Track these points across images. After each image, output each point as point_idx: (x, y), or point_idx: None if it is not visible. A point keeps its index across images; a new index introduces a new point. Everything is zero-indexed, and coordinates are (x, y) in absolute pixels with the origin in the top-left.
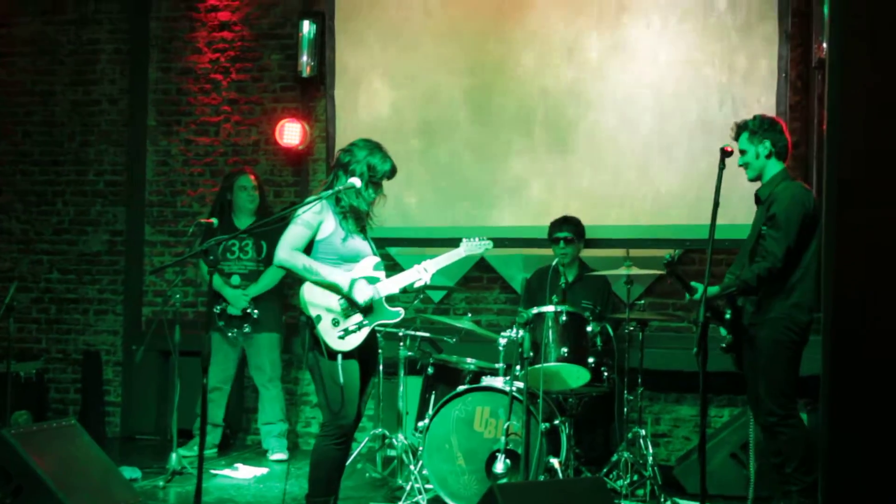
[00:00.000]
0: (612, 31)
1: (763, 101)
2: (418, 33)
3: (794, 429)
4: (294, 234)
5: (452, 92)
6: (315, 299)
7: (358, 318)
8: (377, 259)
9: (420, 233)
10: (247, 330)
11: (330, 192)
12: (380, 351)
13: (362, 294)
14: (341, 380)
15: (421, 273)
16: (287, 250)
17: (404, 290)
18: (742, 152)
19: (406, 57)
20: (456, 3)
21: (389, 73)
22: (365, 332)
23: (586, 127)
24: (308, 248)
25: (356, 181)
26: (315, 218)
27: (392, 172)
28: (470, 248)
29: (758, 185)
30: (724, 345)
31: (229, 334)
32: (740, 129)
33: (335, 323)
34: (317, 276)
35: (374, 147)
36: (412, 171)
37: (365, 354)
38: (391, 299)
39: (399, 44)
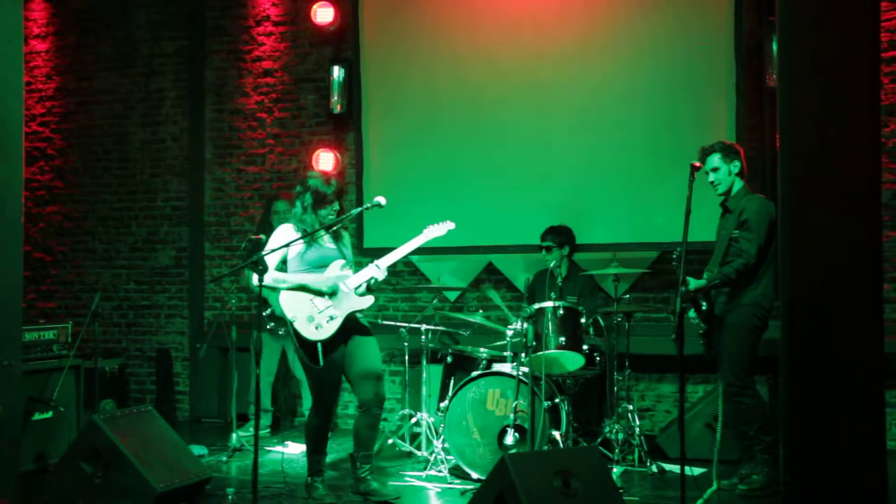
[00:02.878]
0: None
1: (726, 124)
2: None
3: (750, 398)
4: (270, 259)
5: (457, 129)
6: (288, 304)
7: (329, 311)
8: (343, 261)
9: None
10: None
11: (358, 209)
12: (370, 330)
13: (323, 284)
14: (321, 363)
15: (374, 270)
16: (267, 274)
17: (369, 287)
18: (714, 170)
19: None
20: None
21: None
22: (338, 321)
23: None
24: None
25: (381, 199)
26: (279, 242)
27: (337, 194)
28: (431, 231)
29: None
30: (700, 331)
31: (280, 332)
32: (710, 151)
33: (310, 319)
34: (292, 284)
35: (320, 175)
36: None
37: (348, 341)
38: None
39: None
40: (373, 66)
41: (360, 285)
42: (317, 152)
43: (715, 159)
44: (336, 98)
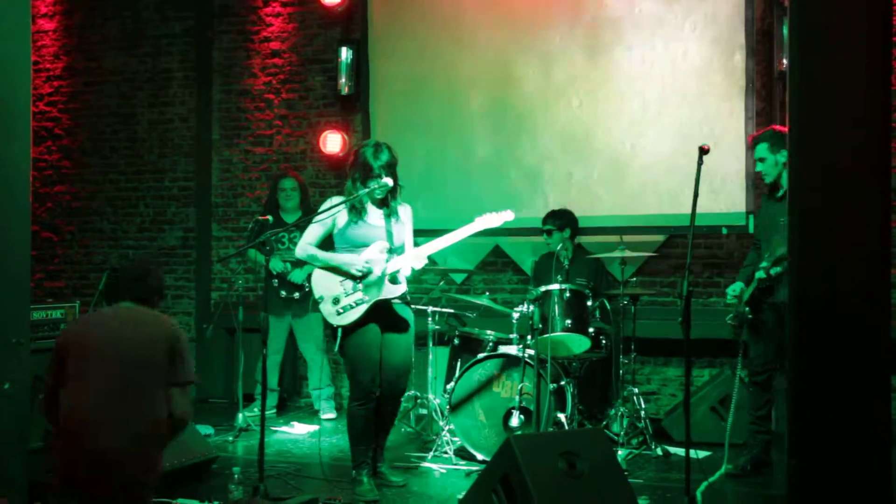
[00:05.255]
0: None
1: (734, 108)
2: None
3: None
4: (309, 232)
5: (464, 111)
6: (319, 283)
7: (356, 296)
8: (384, 243)
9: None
10: (297, 296)
11: (365, 190)
12: (410, 323)
13: (354, 268)
14: (336, 349)
15: (412, 259)
16: (301, 246)
17: (424, 267)
18: (761, 160)
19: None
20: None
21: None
22: (362, 308)
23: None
24: (330, 241)
25: (388, 181)
26: (320, 214)
27: (388, 167)
28: (486, 220)
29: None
30: (750, 317)
31: (282, 293)
32: (759, 140)
33: (335, 301)
34: (321, 262)
35: (372, 146)
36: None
37: (386, 327)
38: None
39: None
40: (381, 48)
41: (395, 271)
42: (324, 134)
43: (762, 149)
44: (344, 79)
